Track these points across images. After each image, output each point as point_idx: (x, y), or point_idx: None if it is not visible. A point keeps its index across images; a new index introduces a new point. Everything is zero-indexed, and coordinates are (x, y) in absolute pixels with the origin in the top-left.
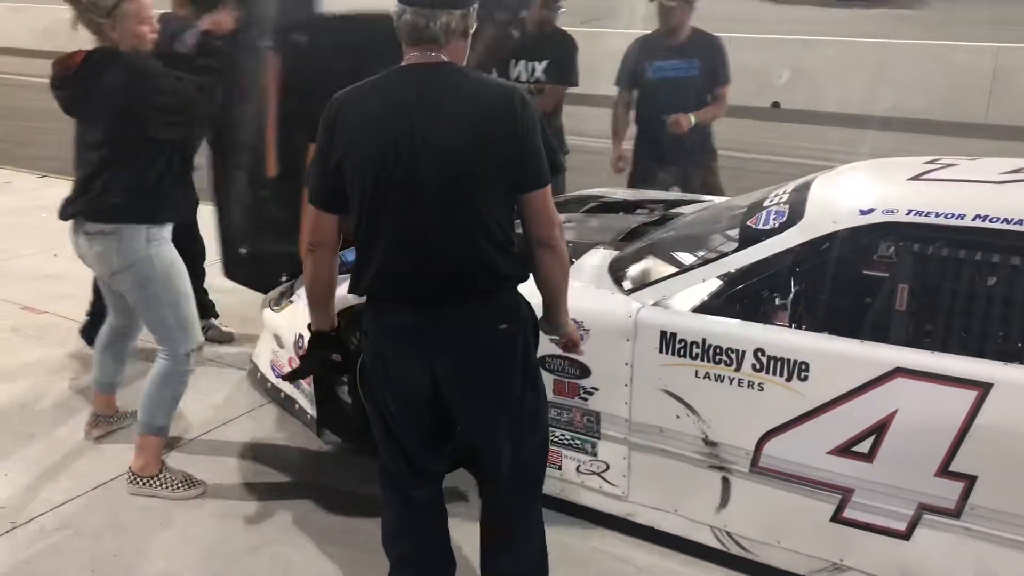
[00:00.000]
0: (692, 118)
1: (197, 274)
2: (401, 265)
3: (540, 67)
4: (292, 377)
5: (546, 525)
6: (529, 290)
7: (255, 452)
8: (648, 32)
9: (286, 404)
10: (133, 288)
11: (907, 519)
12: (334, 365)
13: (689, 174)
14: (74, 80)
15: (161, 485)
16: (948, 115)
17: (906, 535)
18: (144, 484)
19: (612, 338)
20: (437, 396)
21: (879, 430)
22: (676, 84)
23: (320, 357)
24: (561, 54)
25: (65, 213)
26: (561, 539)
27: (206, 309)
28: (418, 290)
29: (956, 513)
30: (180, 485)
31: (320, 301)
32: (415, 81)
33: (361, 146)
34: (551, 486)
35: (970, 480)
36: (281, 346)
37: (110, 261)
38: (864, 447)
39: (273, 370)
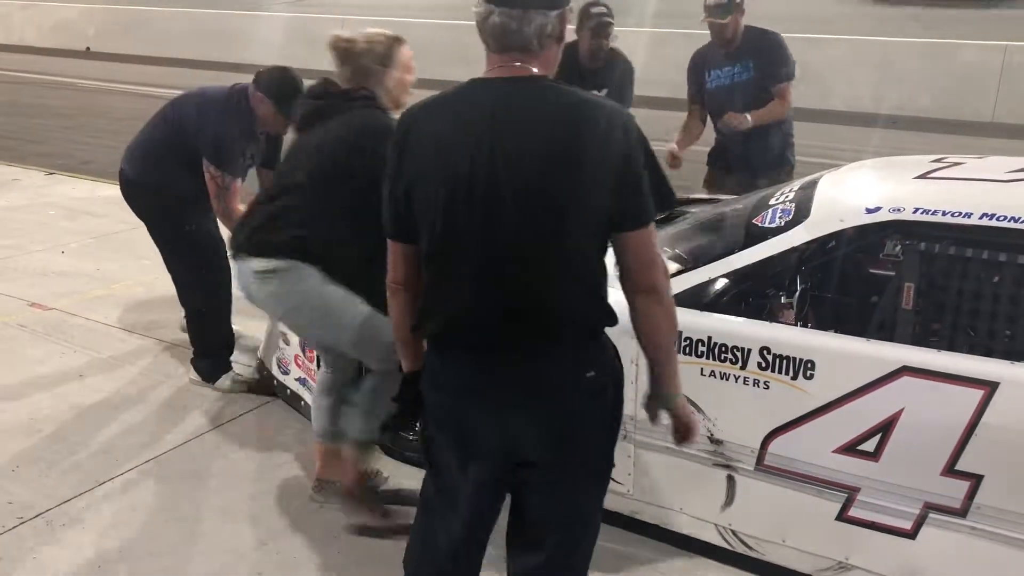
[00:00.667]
0: (749, 118)
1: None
2: (475, 307)
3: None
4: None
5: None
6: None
7: (261, 448)
8: (703, 45)
9: (292, 401)
10: (292, 305)
11: (913, 518)
12: (416, 405)
13: (755, 183)
14: (322, 109)
15: (354, 499)
16: (955, 113)
17: (912, 534)
18: (332, 493)
19: (617, 336)
20: (507, 458)
21: (885, 429)
22: (732, 89)
23: (414, 397)
24: (621, 81)
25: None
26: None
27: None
28: (493, 336)
29: (962, 512)
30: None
31: (408, 343)
32: (498, 96)
33: (431, 170)
34: None
35: (976, 479)
36: (287, 343)
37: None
38: (870, 446)
39: (279, 367)
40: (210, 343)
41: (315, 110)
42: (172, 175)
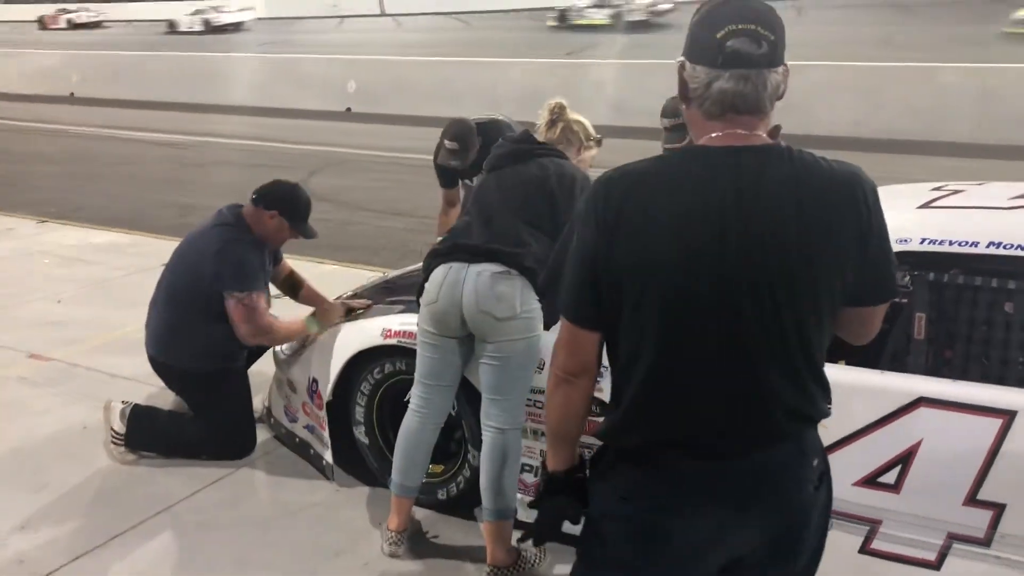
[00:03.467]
0: None
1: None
2: (700, 398)
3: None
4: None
5: (567, 564)
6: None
7: (272, 498)
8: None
9: (300, 449)
10: (521, 339)
11: (937, 549)
12: (572, 512)
13: None
14: (518, 151)
15: (524, 565)
16: (936, 136)
17: (936, 565)
18: (509, 574)
19: None
20: (713, 564)
21: (905, 460)
22: None
23: (558, 505)
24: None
25: (477, 250)
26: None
27: None
28: (718, 429)
29: (986, 542)
30: (536, 556)
31: (568, 439)
32: (733, 168)
33: (658, 254)
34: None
35: (999, 508)
36: (294, 391)
37: (513, 303)
38: (890, 478)
39: (287, 415)
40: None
41: (516, 152)
42: (202, 347)
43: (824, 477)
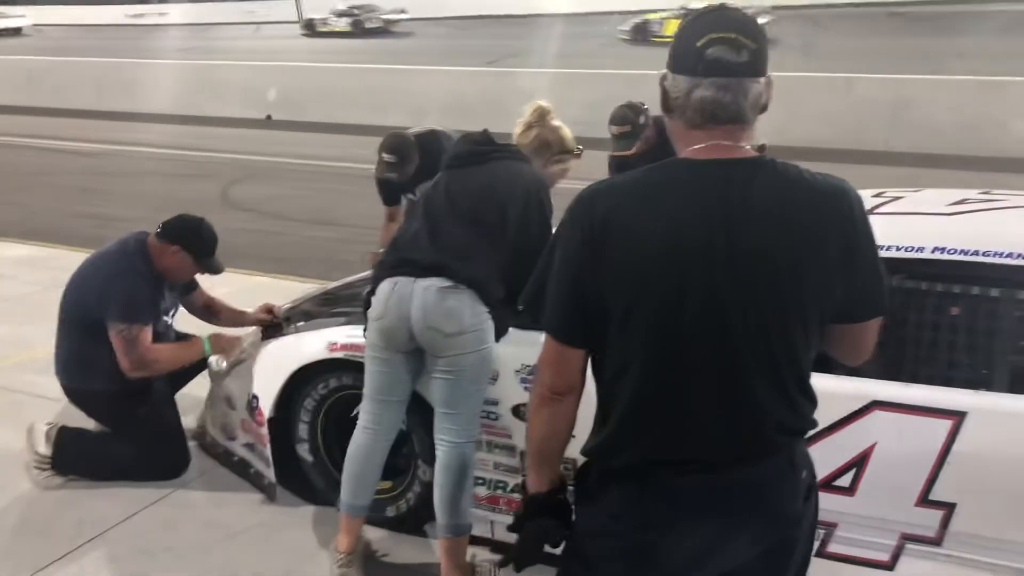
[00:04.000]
0: None
1: None
2: (690, 416)
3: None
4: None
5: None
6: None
7: (211, 520)
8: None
9: (240, 468)
10: (472, 353)
11: (890, 550)
12: (555, 534)
13: None
14: (474, 153)
15: None
16: (851, 144)
17: (890, 565)
18: None
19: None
20: None
21: (859, 463)
22: None
23: (540, 527)
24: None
25: (424, 264)
26: None
27: None
28: (709, 445)
29: (938, 541)
30: (490, 571)
31: (550, 459)
32: (719, 181)
33: (645, 270)
34: None
35: (949, 508)
36: (232, 408)
37: (461, 317)
38: (845, 480)
39: (224, 433)
40: None
41: (472, 153)
42: (107, 367)
43: (812, 489)
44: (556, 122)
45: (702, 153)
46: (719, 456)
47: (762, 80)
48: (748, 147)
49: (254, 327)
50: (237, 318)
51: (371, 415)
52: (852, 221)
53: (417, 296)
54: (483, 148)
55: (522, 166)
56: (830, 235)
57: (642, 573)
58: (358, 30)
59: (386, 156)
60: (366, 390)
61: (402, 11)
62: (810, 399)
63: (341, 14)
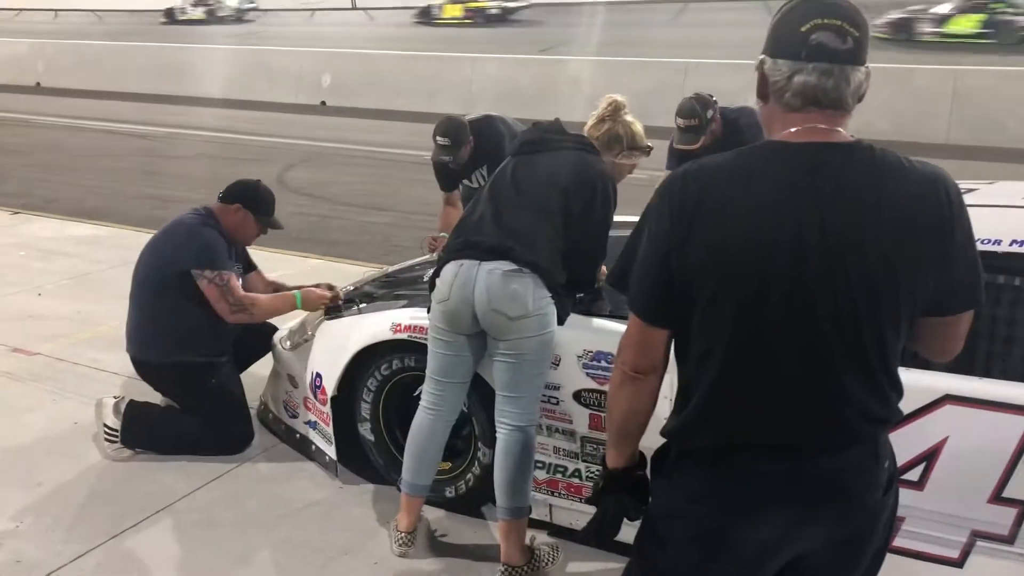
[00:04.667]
0: None
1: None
2: (774, 400)
3: (483, 171)
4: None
5: (579, 562)
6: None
7: (273, 495)
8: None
9: (301, 446)
10: (534, 337)
11: (960, 546)
12: (633, 510)
13: None
14: (545, 140)
15: (538, 564)
16: (911, 136)
17: (959, 562)
18: (523, 573)
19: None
20: (772, 566)
21: (929, 458)
22: None
23: (618, 503)
24: (494, 148)
25: (489, 247)
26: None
27: None
28: (792, 431)
29: (1010, 539)
30: (549, 555)
31: (631, 436)
32: (813, 165)
33: (734, 252)
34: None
35: (1023, 506)
36: (295, 386)
37: (525, 301)
38: (914, 475)
39: (286, 410)
40: None
41: (542, 140)
42: (181, 337)
43: (893, 481)
44: (629, 117)
45: (797, 136)
46: (802, 443)
47: (863, 69)
48: (844, 132)
49: (319, 309)
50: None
51: (433, 396)
52: (949, 210)
53: (481, 279)
54: (553, 137)
55: (591, 157)
56: (925, 224)
57: (715, 558)
58: (213, 18)
59: (440, 139)
60: (428, 371)
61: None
62: (897, 389)
63: (196, 4)
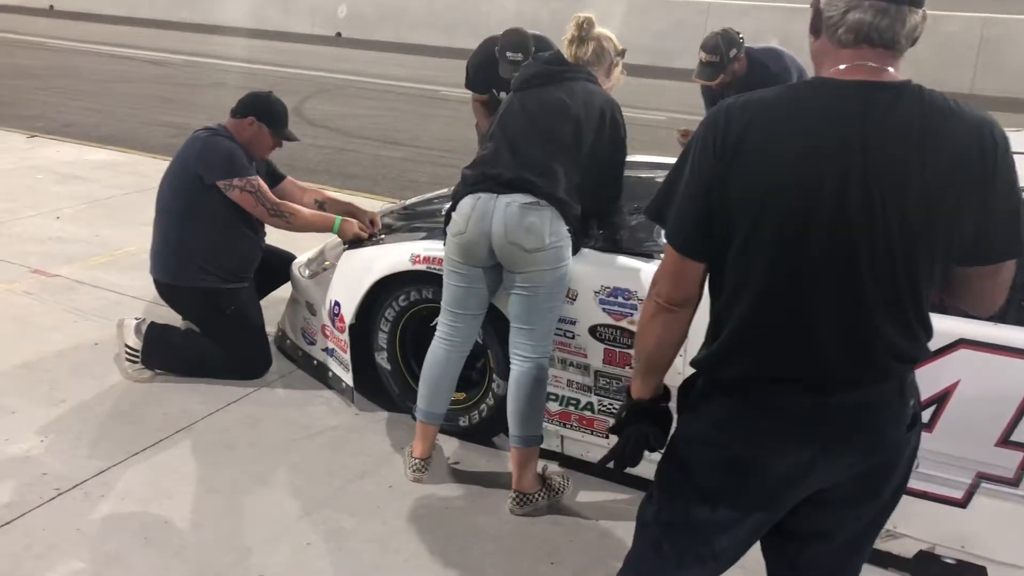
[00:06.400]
0: None
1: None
2: (806, 335)
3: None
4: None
5: (589, 492)
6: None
7: (291, 419)
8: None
9: (318, 372)
10: (550, 270)
11: (965, 487)
12: (655, 440)
13: None
14: (548, 72)
15: (548, 492)
16: (935, 85)
17: (963, 503)
18: (534, 500)
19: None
20: (794, 498)
21: (941, 400)
22: None
23: (641, 432)
24: None
25: (505, 180)
26: (604, 505)
27: None
28: (823, 366)
29: (1015, 482)
30: (560, 484)
31: (660, 368)
32: (860, 103)
33: (775, 187)
34: (597, 454)
35: None
36: (313, 313)
37: (542, 234)
38: (925, 416)
39: (304, 337)
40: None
41: (547, 74)
42: (204, 258)
43: (917, 419)
44: (602, 29)
45: (846, 74)
46: (830, 377)
47: (919, 12)
48: (894, 72)
49: (338, 238)
50: (346, 208)
51: (448, 327)
52: (993, 156)
53: (499, 211)
54: (556, 68)
55: (594, 87)
56: (967, 169)
57: (738, 484)
58: None
59: (511, 55)
60: (443, 303)
61: None
62: (927, 329)
63: None
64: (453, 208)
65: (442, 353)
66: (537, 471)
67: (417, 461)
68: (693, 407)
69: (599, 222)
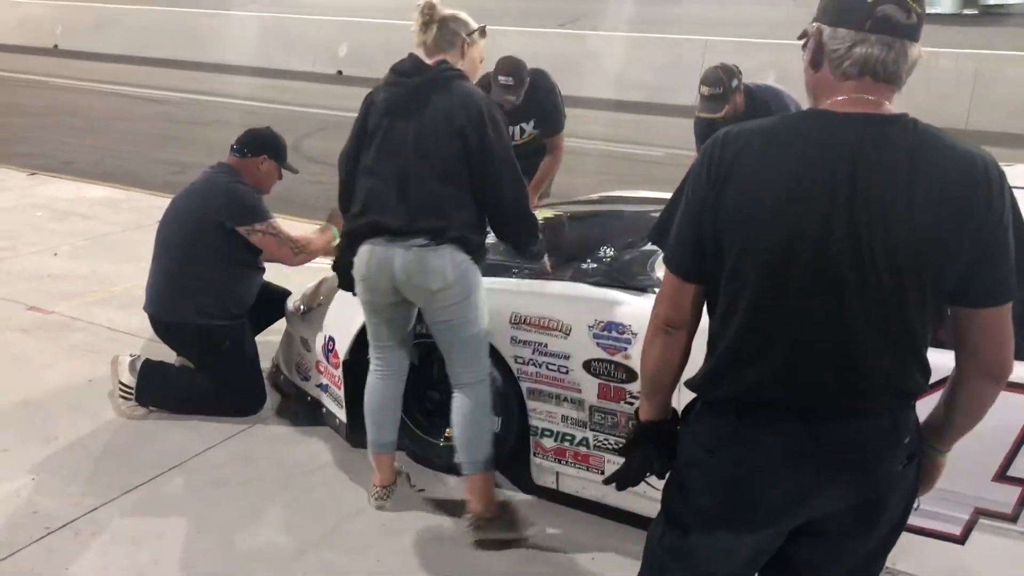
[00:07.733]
0: None
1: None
2: (794, 360)
3: (528, 125)
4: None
5: (584, 530)
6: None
7: (285, 454)
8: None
9: (312, 408)
10: (461, 301)
11: (963, 524)
12: (660, 463)
13: None
14: (416, 85)
15: (504, 520)
16: (931, 120)
17: (961, 539)
18: (489, 524)
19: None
20: (789, 524)
21: None
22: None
23: (646, 455)
24: (545, 103)
25: (398, 230)
26: (602, 543)
27: None
28: (811, 393)
29: (1013, 518)
30: (516, 518)
31: (663, 389)
32: (853, 134)
33: (766, 216)
34: (593, 491)
35: None
36: (308, 349)
37: (444, 272)
38: None
39: (298, 373)
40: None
41: (415, 87)
42: (203, 297)
43: (915, 456)
44: (448, 10)
45: (843, 106)
46: (819, 405)
47: (918, 47)
48: (890, 105)
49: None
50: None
51: (377, 360)
52: (987, 191)
53: (398, 257)
54: (422, 79)
55: (466, 85)
56: (957, 207)
57: (730, 508)
58: None
59: (502, 79)
60: (368, 338)
61: None
62: (921, 365)
63: None
64: (352, 255)
65: (378, 384)
66: (498, 498)
67: (379, 490)
68: (690, 428)
69: (520, 234)
